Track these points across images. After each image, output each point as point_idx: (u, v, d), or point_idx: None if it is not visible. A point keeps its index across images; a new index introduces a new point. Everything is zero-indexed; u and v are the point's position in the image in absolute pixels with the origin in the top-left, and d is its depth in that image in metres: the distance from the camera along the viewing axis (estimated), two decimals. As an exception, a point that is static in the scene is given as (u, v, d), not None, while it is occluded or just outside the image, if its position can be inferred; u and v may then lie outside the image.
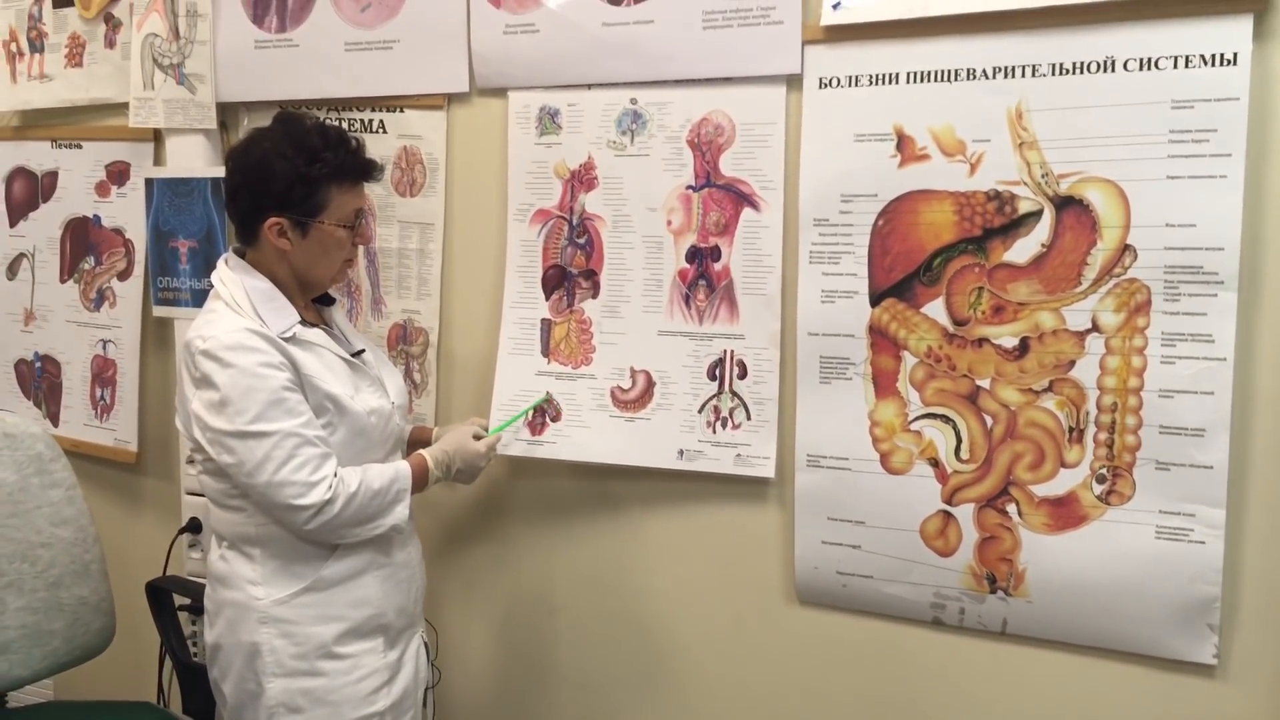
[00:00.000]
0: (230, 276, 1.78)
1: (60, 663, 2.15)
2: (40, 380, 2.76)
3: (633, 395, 2.04)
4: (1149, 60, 1.63)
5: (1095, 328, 1.70)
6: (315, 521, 1.68)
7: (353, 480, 1.72)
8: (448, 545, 2.31)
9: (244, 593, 1.77)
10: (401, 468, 1.81)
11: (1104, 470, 1.71)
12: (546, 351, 2.11)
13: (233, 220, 1.83)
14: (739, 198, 1.93)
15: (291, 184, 1.74)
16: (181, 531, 2.42)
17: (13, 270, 2.78)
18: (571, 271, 2.08)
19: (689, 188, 1.97)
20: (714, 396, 1.98)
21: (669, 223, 1.99)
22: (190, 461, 2.12)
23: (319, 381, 1.73)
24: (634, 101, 1.99)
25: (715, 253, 1.96)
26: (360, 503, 1.72)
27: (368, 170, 1.83)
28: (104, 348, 2.64)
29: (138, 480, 2.68)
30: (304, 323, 1.79)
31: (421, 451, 1.89)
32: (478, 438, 1.96)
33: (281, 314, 1.76)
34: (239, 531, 1.78)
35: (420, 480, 1.84)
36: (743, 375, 1.96)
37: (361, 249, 2.20)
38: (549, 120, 2.07)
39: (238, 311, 1.73)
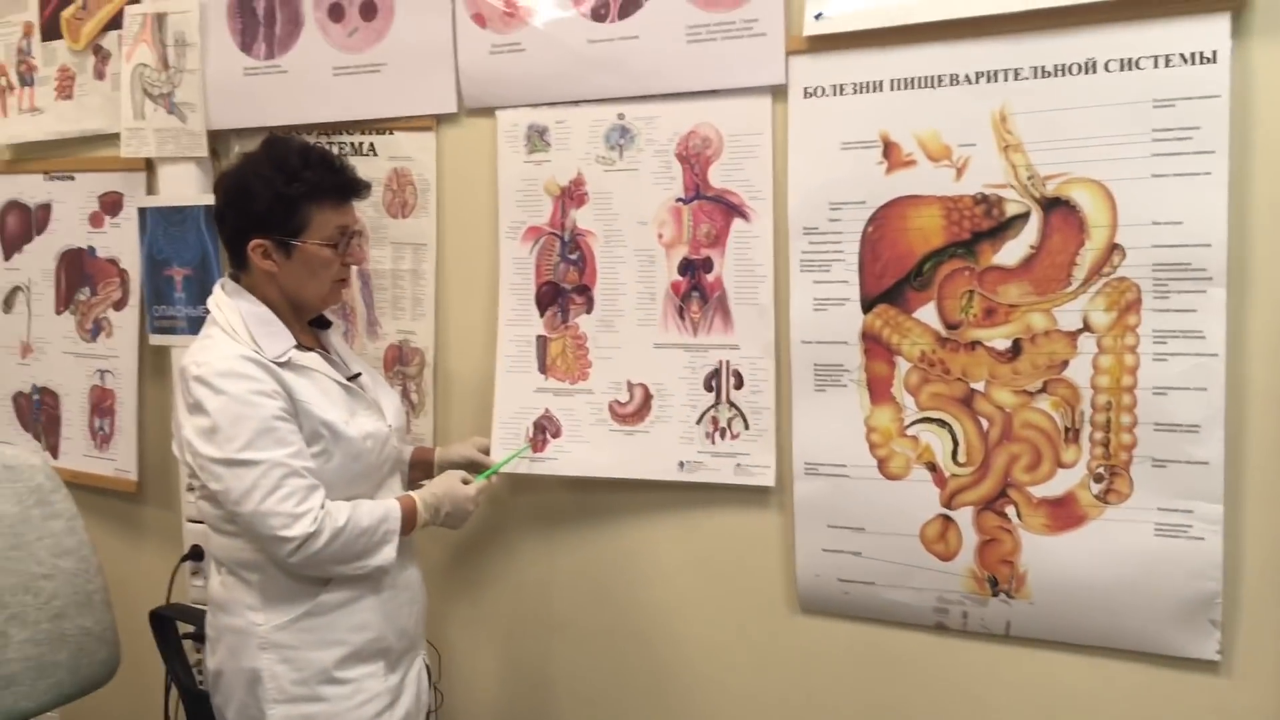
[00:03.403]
0: (226, 301, 1.79)
1: (65, 694, 2.14)
2: (39, 412, 2.77)
3: (631, 409, 2.05)
4: (1129, 60, 1.64)
5: (1087, 327, 1.70)
6: (299, 554, 1.67)
7: (340, 515, 1.70)
8: (449, 564, 2.31)
9: (243, 618, 1.77)
10: (391, 508, 1.79)
11: (1101, 469, 1.72)
12: (543, 368, 2.12)
13: (223, 244, 1.84)
14: (729, 209, 1.94)
15: (271, 204, 1.74)
16: (184, 559, 2.42)
17: (8, 304, 2.79)
18: (565, 287, 2.09)
19: (679, 200, 1.98)
20: (711, 407, 1.99)
21: (660, 236, 2.00)
22: (190, 489, 2.13)
23: (313, 408, 1.73)
24: (621, 117, 2.01)
25: (707, 264, 1.97)
26: (346, 539, 1.71)
27: (350, 188, 1.82)
28: (102, 378, 2.64)
29: (138, 509, 2.68)
30: (300, 347, 1.79)
31: (411, 493, 1.87)
32: (466, 482, 1.94)
33: (277, 338, 1.76)
34: (237, 557, 1.78)
35: (409, 523, 1.82)
36: (739, 385, 1.97)
37: (355, 271, 2.21)
38: (537, 138, 2.08)
39: (233, 337, 1.74)
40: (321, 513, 1.68)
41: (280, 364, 1.73)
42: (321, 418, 1.74)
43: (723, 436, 1.98)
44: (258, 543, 1.72)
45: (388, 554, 1.77)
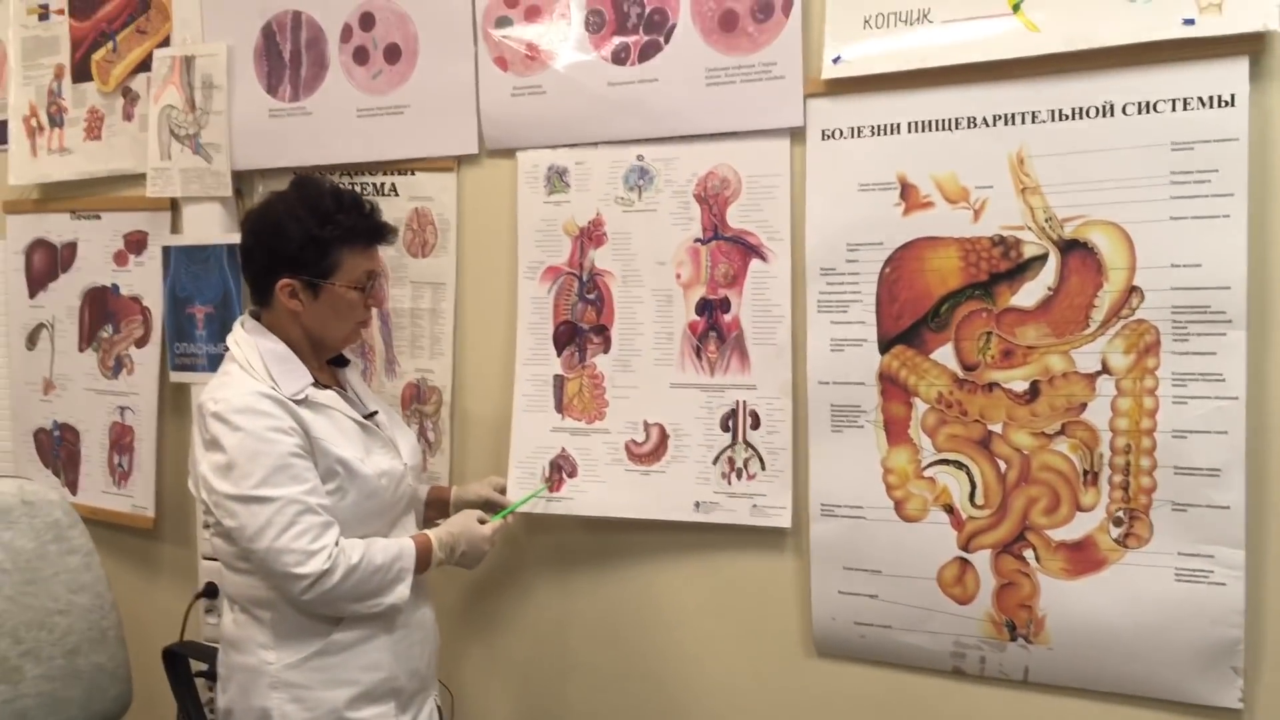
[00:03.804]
0: (245, 339, 1.80)
1: (77, 731, 2.14)
2: (59, 449, 2.78)
3: (647, 448, 2.05)
4: (1147, 104, 1.65)
5: (1105, 369, 1.70)
6: (312, 592, 1.66)
7: (354, 553, 1.70)
8: (463, 604, 2.30)
9: (255, 656, 1.76)
10: (406, 546, 1.78)
11: (1120, 513, 1.70)
12: (560, 407, 2.12)
13: (247, 282, 1.85)
14: (747, 249, 1.95)
15: (303, 245, 1.76)
16: (198, 596, 2.41)
17: (32, 340, 2.81)
18: (582, 327, 2.10)
19: (697, 240, 1.99)
20: (728, 447, 1.99)
21: (678, 276, 2.01)
22: (206, 525, 2.13)
23: (329, 445, 1.74)
24: (640, 158, 2.02)
25: (725, 304, 1.97)
26: (360, 577, 1.70)
27: (380, 233, 1.85)
28: (122, 414, 2.66)
29: (155, 546, 2.69)
30: (317, 384, 1.80)
31: (427, 532, 1.86)
32: (482, 521, 1.92)
33: (294, 376, 1.77)
34: (250, 595, 1.77)
35: (424, 561, 1.81)
36: (756, 425, 1.96)
37: (375, 310, 2.23)
38: (557, 179, 2.10)
39: (251, 374, 1.75)
40: (336, 550, 1.68)
41: (297, 401, 1.73)
42: (337, 455, 1.74)
43: (739, 477, 1.98)
44: (271, 580, 1.71)
45: (401, 592, 1.76)
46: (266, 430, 1.68)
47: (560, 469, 2.11)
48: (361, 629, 1.77)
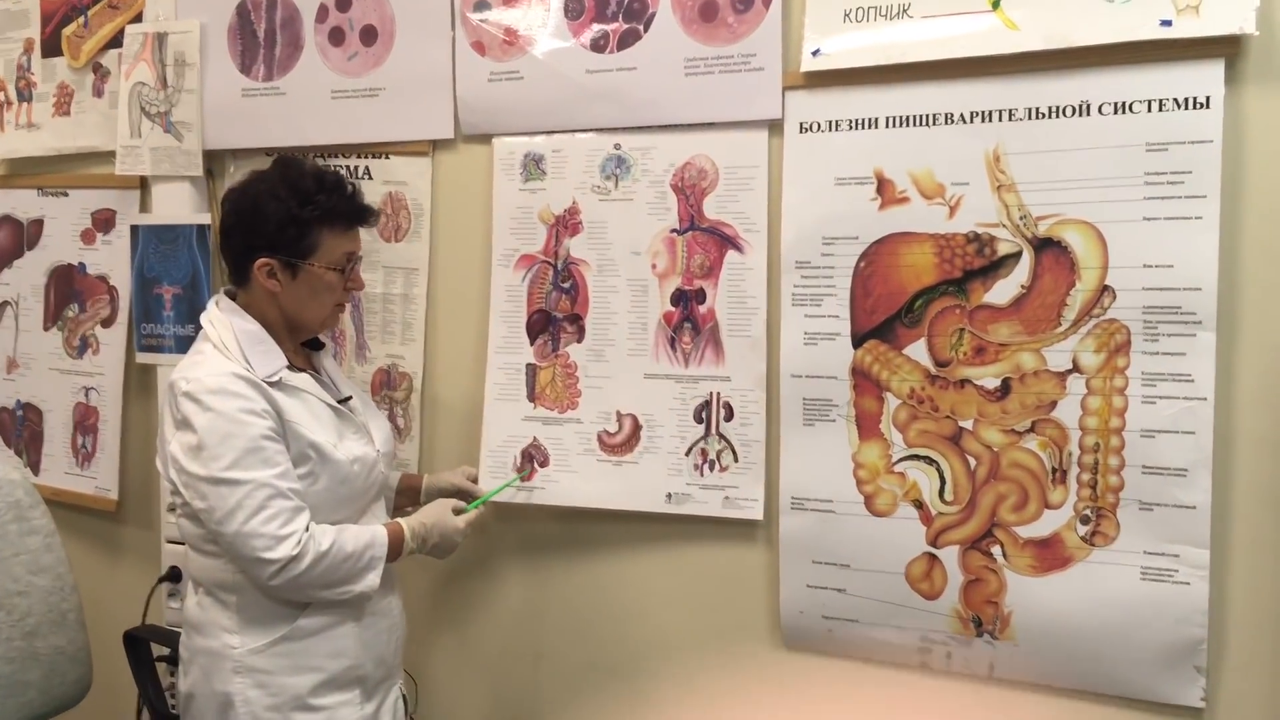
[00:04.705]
0: (220, 318, 1.78)
1: (35, 714, 2.11)
2: (22, 428, 2.74)
3: (619, 439, 2.04)
4: (1123, 104, 1.65)
5: (1076, 368, 1.70)
6: (281, 577, 1.65)
7: (325, 540, 1.68)
8: (432, 592, 2.29)
9: (219, 640, 1.74)
10: (378, 533, 1.76)
11: (1088, 511, 1.71)
12: (532, 396, 2.11)
13: (225, 260, 1.83)
14: (723, 240, 1.95)
15: (283, 225, 1.74)
16: (161, 580, 2.39)
17: (-4, 318, 2.77)
18: (556, 316, 2.09)
19: (673, 231, 1.98)
20: (701, 439, 1.98)
21: (654, 266, 2.00)
22: (171, 509, 2.11)
23: (302, 429, 1.72)
24: (618, 147, 2.01)
25: (700, 295, 1.97)
26: (330, 564, 1.68)
27: (361, 215, 1.83)
28: (86, 395, 2.62)
29: (118, 528, 2.65)
30: (291, 367, 1.78)
31: (399, 520, 1.84)
32: (457, 511, 1.90)
33: (269, 357, 1.75)
34: (216, 578, 1.75)
35: (395, 550, 1.79)
36: (729, 417, 1.96)
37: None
38: (533, 166, 2.09)
39: (225, 354, 1.72)
40: (305, 535, 1.66)
41: (271, 383, 1.72)
42: (310, 439, 1.72)
43: (711, 469, 1.97)
44: (239, 564, 1.69)
45: (372, 581, 1.74)
46: (239, 412, 1.66)
47: (532, 458, 2.09)
48: (328, 615, 1.75)
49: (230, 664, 1.73)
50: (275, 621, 1.73)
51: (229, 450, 1.64)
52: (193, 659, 1.79)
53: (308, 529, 1.67)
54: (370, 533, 1.76)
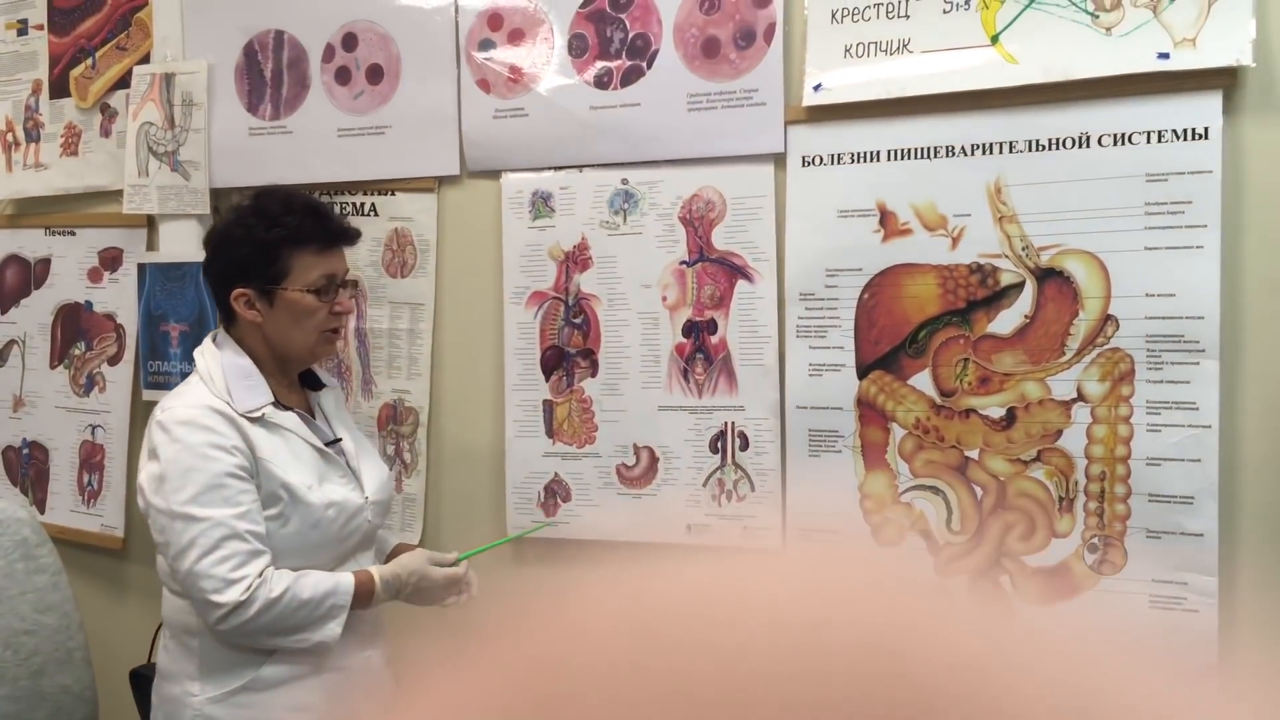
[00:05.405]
0: (211, 351, 1.75)
1: (41, 753, 2.10)
2: (28, 467, 2.75)
3: (637, 472, 2.04)
4: (1123, 135, 1.67)
5: (1081, 397, 1.71)
6: (227, 622, 1.58)
7: (279, 586, 1.60)
8: (444, 640, 2.27)
9: (180, 687, 1.69)
10: (343, 581, 1.67)
11: (1095, 539, 1.71)
12: (551, 432, 2.11)
13: (210, 296, 1.82)
14: (733, 270, 1.96)
15: (251, 252, 1.70)
16: (167, 617, 2.38)
17: (2, 357, 2.78)
18: (569, 351, 2.10)
19: (683, 263, 2.00)
20: (718, 469, 1.99)
21: (664, 298, 2.01)
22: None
23: (274, 467, 1.65)
24: (625, 182, 2.03)
25: (711, 326, 1.98)
26: (281, 611, 1.60)
27: (333, 234, 1.76)
28: (93, 433, 2.63)
29: (123, 566, 2.65)
30: (279, 405, 1.73)
31: (371, 568, 1.74)
32: (439, 564, 1.79)
33: (254, 392, 1.70)
34: (181, 620, 1.70)
35: (364, 599, 1.69)
36: (744, 447, 1.97)
37: (352, 330, 2.22)
38: (542, 204, 2.10)
39: (209, 386, 1.69)
40: (257, 581, 1.58)
41: (252, 419, 1.67)
42: (282, 479, 1.66)
43: (729, 499, 1.98)
44: (192, 604, 1.63)
45: (332, 630, 1.65)
46: (205, 446, 1.62)
47: (555, 493, 2.08)
48: (291, 666, 1.68)
49: (189, 712, 1.67)
50: (237, 669, 1.67)
51: (189, 485, 1.59)
52: (159, 706, 1.74)
53: (261, 575, 1.60)
54: (333, 580, 1.67)
